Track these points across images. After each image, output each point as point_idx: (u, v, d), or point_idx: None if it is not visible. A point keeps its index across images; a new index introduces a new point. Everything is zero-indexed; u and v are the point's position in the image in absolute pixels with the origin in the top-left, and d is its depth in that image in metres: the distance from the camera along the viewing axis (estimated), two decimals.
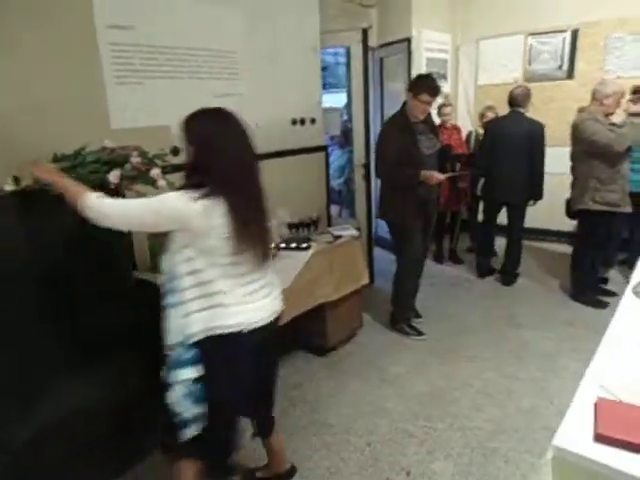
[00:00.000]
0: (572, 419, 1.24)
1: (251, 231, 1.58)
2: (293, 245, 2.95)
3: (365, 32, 4.02)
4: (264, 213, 1.69)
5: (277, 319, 1.77)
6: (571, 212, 3.70)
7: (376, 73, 5.08)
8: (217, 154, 1.55)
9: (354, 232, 3.29)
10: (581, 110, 3.69)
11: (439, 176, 3.07)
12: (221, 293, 1.58)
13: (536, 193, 3.99)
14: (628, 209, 3.43)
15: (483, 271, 4.47)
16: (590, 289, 3.76)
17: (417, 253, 3.26)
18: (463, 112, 5.80)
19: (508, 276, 4.28)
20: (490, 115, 4.66)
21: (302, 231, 3.20)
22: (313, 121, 3.60)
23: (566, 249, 4.76)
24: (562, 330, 3.37)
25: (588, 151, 3.38)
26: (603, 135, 3.25)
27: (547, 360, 2.97)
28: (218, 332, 1.58)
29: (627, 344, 1.58)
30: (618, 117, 3.42)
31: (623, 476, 1.08)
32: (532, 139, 3.86)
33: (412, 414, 2.56)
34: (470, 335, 3.39)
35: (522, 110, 3.95)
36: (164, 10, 2.61)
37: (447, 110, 4.54)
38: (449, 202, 4.56)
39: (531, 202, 4.07)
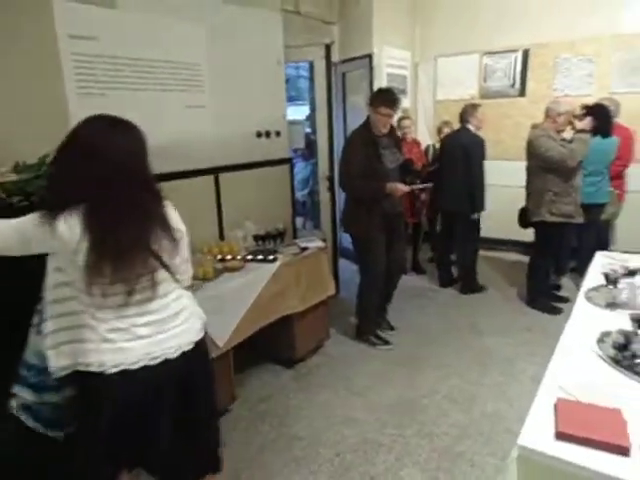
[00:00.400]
0: (534, 419, 1.30)
1: (121, 258, 1.35)
2: (260, 257, 2.95)
3: (328, 48, 4.11)
4: (150, 238, 1.41)
5: (193, 351, 1.53)
6: (525, 222, 3.87)
7: (339, 87, 5.18)
8: (82, 168, 1.33)
9: (320, 243, 3.32)
10: (535, 126, 3.89)
11: (404, 188, 3.15)
12: (87, 327, 1.40)
13: (476, 205, 4.15)
14: (580, 220, 3.62)
15: (444, 281, 4.59)
16: (545, 296, 3.92)
17: (380, 266, 3.31)
18: (422, 126, 5.98)
19: (464, 285, 4.41)
20: (446, 130, 4.85)
21: (268, 243, 3.20)
22: (278, 134, 3.63)
23: (521, 258, 4.98)
24: (520, 336, 3.50)
25: (543, 166, 3.55)
26: (556, 151, 3.44)
27: (507, 365, 3.08)
28: (82, 369, 1.40)
29: (581, 347, 1.67)
30: (567, 133, 3.63)
31: (584, 471, 1.14)
32: (470, 153, 4.05)
33: (381, 423, 2.59)
34: (435, 344, 3.47)
35: (468, 125, 4.12)
36: (127, 21, 2.59)
37: (406, 123, 4.67)
38: (410, 214, 4.66)
39: (475, 214, 4.20)
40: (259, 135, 3.49)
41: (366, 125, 3.19)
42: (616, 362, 1.55)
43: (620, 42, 4.70)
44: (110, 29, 2.50)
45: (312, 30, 4.67)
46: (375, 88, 4.76)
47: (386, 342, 3.44)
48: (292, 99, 7.19)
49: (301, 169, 6.13)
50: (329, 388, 2.96)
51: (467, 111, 4.21)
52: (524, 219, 3.86)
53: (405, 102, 5.59)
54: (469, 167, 4.06)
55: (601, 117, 3.58)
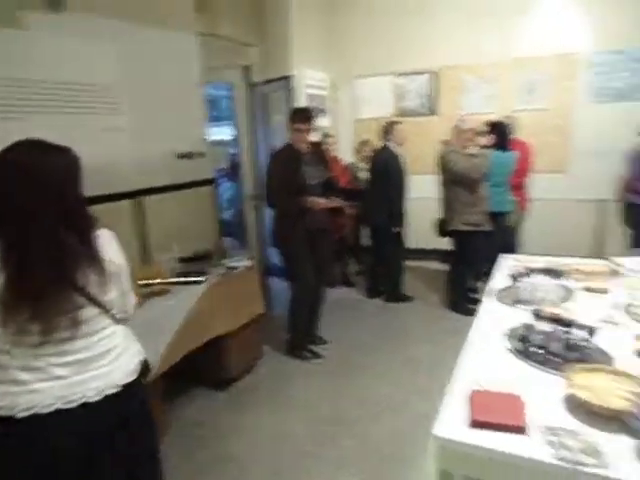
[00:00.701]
0: (448, 411, 1.40)
1: (40, 298, 1.27)
2: (186, 279, 2.91)
3: (247, 69, 4.17)
4: (74, 275, 1.33)
5: (121, 394, 1.42)
6: (442, 232, 4.13)
7: (261, 108, 5.26)
8: None
9: (247, 262, 3.33)
10: (445, 143, 4.18)
11: (323, 202, 3.23)
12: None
13: (394, 220, 4.37)
14: (488, 227, 3.93)
15: (372, 292, 4.75)
16: (464, 300, 4.19)
17: (309, 280, 3.38)
18: (344, 145, 6.20)
19: (389, 295, 4.59)
20: (366, 149, 5.08)
21: (195, 264, 3.16)
22: (200, 155, 3.62)
23: (444, 266, 5.26)
24: (446, 340, 3.68)
25: (452, 179, 3.84)
26: (461, 165, 3.74)
27: (436, 369, 3.23)
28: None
29: (490, 342, 1.82)
30: (473, 149, 3.95)
31: (497, 454, 1.24)
32: (389, 169, 4.29)
33: (318, 436, 2.62)
34: (367, 354, 3.57)
35: (387, 143, 4.36)
36: (38, 43, 2.50)
37: (329, 140, 4.82)
38: (334, 229, 4.78)
39: (395, 228, 4.42)
40: (181, 157, 3.46)
41: (289, 143, 3.29)
42: (521, 353, 1.70)
43: (518, 65, 5.20)
44: (21, 51, 2.42)
45: (231, 52, 4.73)
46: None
47: (318, 356, 3.49)
48: (218, 119, 7.18)
49: (226, 189, 6.12)
50: (264, 406, 2.95)
51: (387, 129, 4.43)
52: (441, 229, 4.11)
53: (325, 121, 5.78)
54: (388, 183, 4.27)
55: (500, 134, 3.94)
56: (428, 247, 5.55)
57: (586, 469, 1.13)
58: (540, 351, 1.68)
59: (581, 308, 2.07)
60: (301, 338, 3.53)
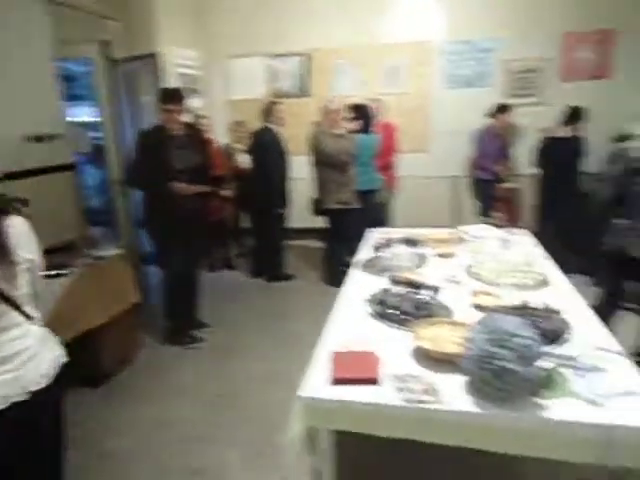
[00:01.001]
0: (313, 373, 1.51)
1: None
2: (45, 273, 2.67)
3: (106, 44, 3.88)
4: None
5: (30, 402, 1.32)
6: (317, 210, 4.30)
7: (126, 87, 4.93)
8: None
9: (116, 251, 3.16)
10: (316, 124, 4.32)
11: (189, 188, 3.13)
12: None
13: (274, 201, 4.44)
14: (358, 205, 4.17)
15: (255, 273, 4.80)
16: (340, 274, 4.41)
17: (178, 266, 3.31)
18: (219, 126, 6.08)
19: (271, 275, 4.69)
20: (241, 130, 5.06)
21: (56, 257, 2.92)
22: (54, 137, 3.30)
23: (319, 244, 5.49)
24: (323, 313, 3.85)
25: (323, 161, 3.99)
26: (331, 147, 3.91)
27: (314, 340, 3.39)
28: None
29: (354, 307, 1.98)
30: (341, 129, 4.14)
31: (355, 405, 1.37)
32: (269, 150, 4.35)
33: (202, 418, 2.63)
34: (249, 333, 3.63)
35: (267, 124, 4.40)
36: None
37: (203, 122, 4.69)
38: (213, 212, 4.71)
39: (277, 209, 4.50)
40: (31, 140, 3.13)
41: (159, 124, 3.15)
42: (379, 315, 1.88)
43: (383, 51, 5.52)
44: None
45: (88, 24, 4.35)
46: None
47: (197, 340, 3.46)
48: (79, 99, 6.55)
49: (92, 175, 5.66)
50: (145, 397, 2.87)
51: (267, 109, 4.43)
52: (316, 208, 4.28)
53: (198, 102, 5.62)
54: (270, 164, 4.30)
55: (363, 116, 4.18)
56: (307, 226, 5.73)
57: (426, 406, 1.31)
58: (395, 312, 1.87)
59: (432, 272, 2.34)
60: (179, 324, 3.47)
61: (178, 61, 5.21)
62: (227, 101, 6.05)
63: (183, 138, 3.17)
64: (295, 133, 5.51)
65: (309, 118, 5.59)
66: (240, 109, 5.83)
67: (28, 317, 1.38)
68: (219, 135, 5.92)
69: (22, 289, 1.35)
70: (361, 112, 4.17)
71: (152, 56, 4.74)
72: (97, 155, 5.42)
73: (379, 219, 4.49)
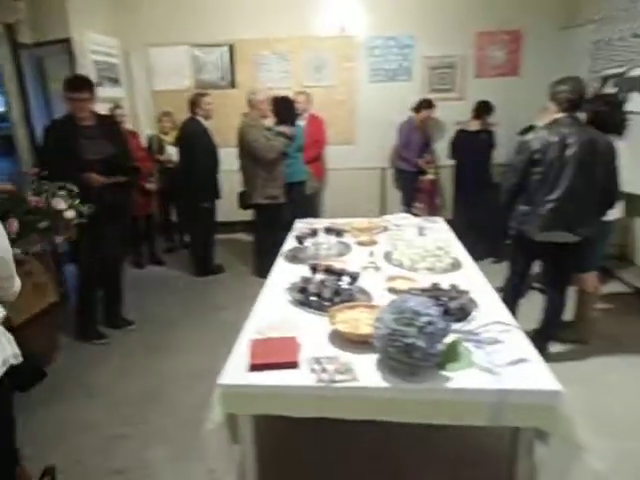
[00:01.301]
0: (233, 361, 1.54)
1: None
2: None
3: (10, 27, 3.62)
4: None
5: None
6: (244, 205, 4.28)
7: (37, 73, 4.63)
8: None
9: (33, 249, 2.97)
10: (244, 115, 4.28)
11: (99, 179, 3.02)
12: None
13: (199, 194, 4.33)
14: (283, 200, 4.19)
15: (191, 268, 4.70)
16: (268, 266, 4.41)
17: (94, 261, 3.20)
18: (143, 117, 5.86)
19: (199, 269, 4.61)
20: (168, 121, 4.92)
21: None
22: None
23: (248, 237, 5.52)
24: (252, 304, 3.88)
25: (250, 154, 3.96)
26: (260, 143, 3.88)
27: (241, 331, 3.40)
28: None
29: (276, 296, 2.02)
30: (270, 121, 4.14)
31: (272, 389, 1.42)
32: (195, 143, 4.23)
33: (123, 417, 2.56)
34: (177, 328, 3.56)
35: (196, 116, 4.29)
36: None
37: (118, 112, 4.49)
38: (138, 207, 4.56)
39: (205, 203, 4.41)
40: None
41: (68, 114, 2.99)
42: (299, 302, 1.93)
43: (308, 43, 5.55)
44: None
45: None
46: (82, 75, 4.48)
47: (103, 336, 3.36)
48: None
49: (1, 166, 5.28)
50: (63, 400, 2.73)
51: (194, 101, 4.30)
52: (243, 202, 4.25)
53: (119, 92, 5.38)
54: (197, 157, 4.20)
55: (285, 109, 4.18)
56: (236, 219, 5.68)
57: (338, 385, 1.38)
58: (315, 299, 1.93)
59: (354, 259, 2.43)
60: (89, 321, 3.36)
61: (94, 47, 4.94)
62: (151, 92, 5.82)
63: (94, 128, 3.04)
64: (222, 125, 5.45)
65: (235, 109, 5.56)
66: (164, 100, 5.65)
67: None
68: (145, 126, 5.73)
69: None
70: (282, 105, 4.17)
71: (65, 41, 4.48)
72: (6, 146, 5.04)
73: (308, 211, 4.55)
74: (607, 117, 2.85)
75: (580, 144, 2.48)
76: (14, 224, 2.34)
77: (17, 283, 1.58)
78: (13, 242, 1.72)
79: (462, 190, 4.69)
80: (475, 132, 4.48)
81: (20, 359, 1.53)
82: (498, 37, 5.41)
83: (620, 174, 2.59)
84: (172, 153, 4.96)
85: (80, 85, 2.94)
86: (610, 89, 4.18)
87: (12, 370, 1.50)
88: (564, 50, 5.06)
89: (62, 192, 2.76)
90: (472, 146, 4.47)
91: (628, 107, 3.61)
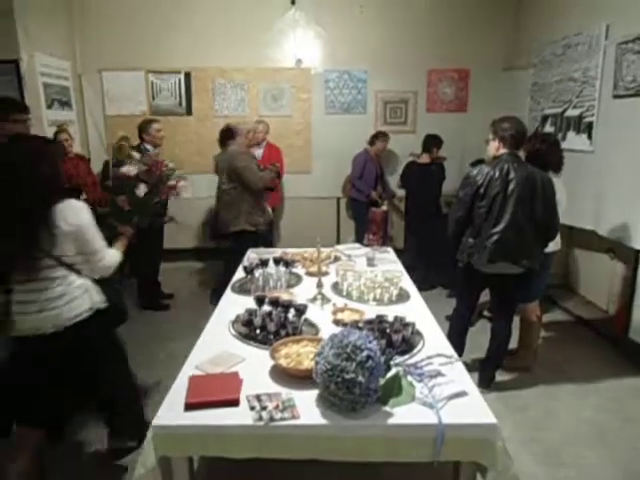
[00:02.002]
0: (170, 400, 1.47)
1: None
2: None
3: None
4: (29, 239, 1.70)
5: (57, 335, 1.77)
6: (217, 233, 4.19)
7: None
8: None
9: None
10: (228, 143, 4.17)
11: None
12: None
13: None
14: (264, 228, 4.14)
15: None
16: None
17: None
18: (95, 142, 5.72)
19: (143, 299, 4.44)
20: (124, 144, 4.81)
21: None
22: None
23: (202, 264, 5.43)
24: (197, 333, 3.77)
25: (240, 180, 3.89)
26: (251, 172, 3.87)
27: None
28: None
29: (219, 329, 1.97)
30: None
31: (207, 429, 1.36)
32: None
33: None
34: None
35: (144, 143, 4.19)
36: None
37: (64, 136, 4.35)
38: None
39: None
40: None
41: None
42: (243, 336, 1.89)
43: (263, 74, 5.63)
44: None
45: None
46: (29, 98, 4.33)
47: None
48: None
49: None
50: None
51: (141, 127, 4.24)
52: (217, 230, 4.17)
53: (69, 115, 5.24)
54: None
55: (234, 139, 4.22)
56: (178, 247, 5.56)
57: (276, 423, 1.34)
58: (260, 332, 1.89)
59: (303, 290, 2.41)
60: None
61: (44, 70, 4.81)
62: (104, 116, 5.70)
63: None
64: (177, 152, 5.42)
65: (190, 137, 5.56)
66: (118, 125, 5.54)
67: (75, 271, 1.82)
68: (97, 151, 5.58)
69: (63, 248, 1.75)
70: (232, 134, 4.18)
71: (13, 62, 4.35)
72: None
73: (267, 239, 4.51)
74: (545, 155, 3.00)
75: (520, 180, 2.60)
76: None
77: (107, 257, 1.93)
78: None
79: (412, 220, 4.80)
80: (426, 164, 4.62)
81: (106, 304, 1.93)
82: (448, 75, 5.68)
83: (558, 208, 2.73)
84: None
85: (15, 107, 2.83)
86: (548, 128, 4.44)
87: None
88: (508, 90, 5.36)
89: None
90: (422, 178, 4.60)
91: (565, 145, 3.84)
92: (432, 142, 4.63)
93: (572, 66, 4.12)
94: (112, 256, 1.98)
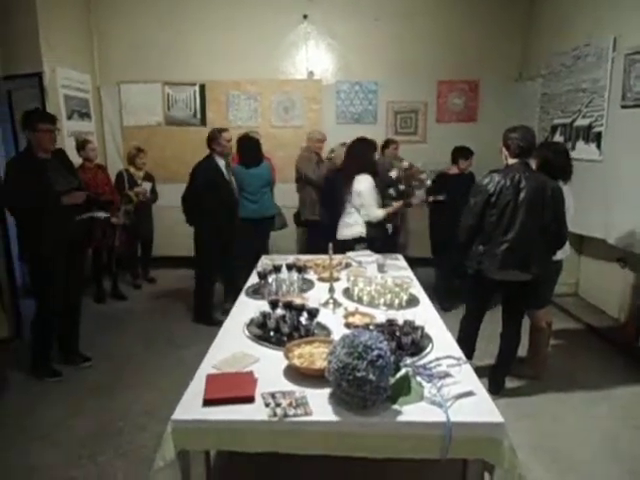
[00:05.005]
0: (189, 397, 1.54)
1: None
2: None
3: None
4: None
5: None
6: (298, 222, 4.97)
7: (3, 106, 4.64)
8: None
9: None
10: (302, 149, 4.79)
11: (81, 194, 3.13)
12: None
13: None
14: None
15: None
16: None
17: (58, 294, 3.14)
18: (113, 152, 5.88)
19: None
20: (141, 156, 4.96)
21: None
22: None
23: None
24: (208, 340, 3.83)
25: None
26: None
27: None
28: None
29: (235, 332, 2.04)
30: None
31: (224, 424, 1.42)
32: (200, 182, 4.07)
33: (71, 459, 2.44)
34: (134, 365, 3.47)
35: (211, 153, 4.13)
36: None
37: (90, 146, 4.50)
38: (102, 240, 4.50)
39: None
40: None
41: (29, 149, 3.00)
42: (257, 337, 1.95)
43: (275, 86, 5.75)
44: None
45: None
46: (50, 109, 4.48)
47: (57, 374, 3.24)
48: None
49: None
50: (10, 442, 2.60)
51: (212, 137, 4.11)
52: (297, 219, 4.90)
53: (88, 126, 5.40)
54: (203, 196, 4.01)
55: (247, 149, 4.37)
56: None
57: (290, 419, 1.39)
58: (274, 334, 1.95)
59: (315, 295, 2.47)
60: (41, 357, 3.24)
61: (65, 82, 4.98)
62: (121, 127, 5.86)
63: (52, 161, 3.07)
64: (191, 163, 5.55)
65: (204, 147, 5.67)
66: (134, 135, 5.70)
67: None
68: (114, 160, 5.73)
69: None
70: (247, 144, 4.29)
71: (37, 75, 4.52)
72: None
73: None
74: (555, 164, 3.04)
75: (531, 188, 2.64)
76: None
77: (371, 211, 3.23)
78: None
79: (444, 232, 4.29)
80: (455, 175, 4.54)
81: None
82: (458, 86, 5.75)
83: (567, 216, 2.76)
84: (147, 188, 4.97)
85: (53, 117, 3.01)
86: (558, 137, 4.47)
87: None
88: (517, 100, 5.41)
89: None
90: (451, 189, 4.47)
91: (574, 155, 3.87)
92: (457, 154, 4.48)
93: (581, 77, 4.17)
94: None
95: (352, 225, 3.57)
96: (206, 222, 3.97)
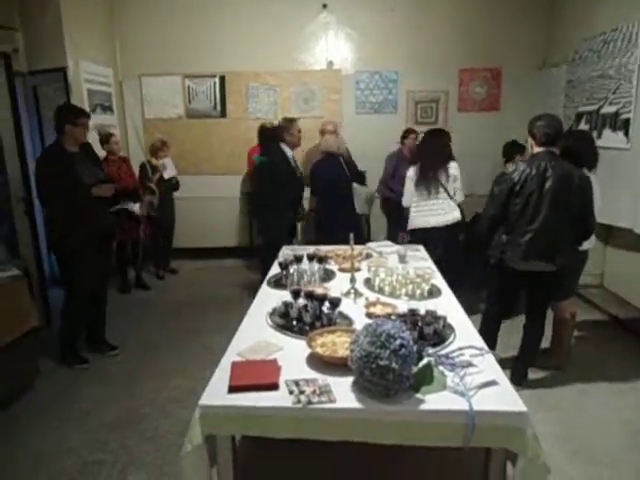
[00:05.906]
0: (215, 383, 1.57)
1: None
2: None
3: (7, 56, 3.72)
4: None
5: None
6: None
7: (28, 101, 4.74)
8: None
9: (13, 272, 3.00)
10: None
11: (109, 187, 3.25)
12: None
13: None
14: None
15: None
16: None
17: (88, 284, 3.24)
18: (134, 144, 5.96)
19: None
20: (164, 149, 5.04)
21: None
22: None
23: (233, 262, 5.62)
24: (231, 329, 3.89)
25: None
26: None
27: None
28: None
29: (258, 320, 2.07)
30: None
31: (250, 409, 1.45)
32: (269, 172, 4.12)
33: (101, 443, 2.53)
34: (157, 352, 3.56)
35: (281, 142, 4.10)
36: None
37: (114, 139, 4.59)
38: (126, 231, 4.59)
39: None
40: None
41: (58, 142, 3.08)
42: (279, 326, 1.98)
43: (294, 76, 5.74)
44: None
45: None
46: (74, 103, 4.56)
47: (84, 361, 3.35)
48: None
49: None
50: (40, 426, 2.70)
51: (284, 128, 4.08)
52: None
53: (111, 119, 5.49)
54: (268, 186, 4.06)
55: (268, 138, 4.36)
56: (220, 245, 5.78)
57: (314, 406, 1.42)
58: (296, 323, 1.98)
59: (336, 285, 2.49)
60: (70, 345, 3.35)
61: (88, 77, 5.06)
62: (142, 119, 5.94)
63: (80, 154, 3.16)
64: (212, 153, 5.61)
65: (224, 138, 5.73)
66: (155, 128, 5.77)
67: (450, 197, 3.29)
68: (135, 153, 5.82)
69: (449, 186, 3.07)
70: (268, 134, 4.30)
71: (61, 70, 4.60)
72: None
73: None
74: (580, 152, 2.98)
75: (557, 177, 2.60)
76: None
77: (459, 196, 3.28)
78: None
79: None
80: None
81: None
82: (480, 74, 5.65)
83: (594, 206, 2.71)
84: (167, 166, 5.05)
85: (85, 112, 3.14)
86: (583, 125, 4.37)
87: None
88: (541, 88, 5.30)
89: None
90: None
91: (601, 143, 3.78)
92: (512, 150, 4.22)
93: (609, 62, 4.06)
94: None
95: (448, 211, 3.64)
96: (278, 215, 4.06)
